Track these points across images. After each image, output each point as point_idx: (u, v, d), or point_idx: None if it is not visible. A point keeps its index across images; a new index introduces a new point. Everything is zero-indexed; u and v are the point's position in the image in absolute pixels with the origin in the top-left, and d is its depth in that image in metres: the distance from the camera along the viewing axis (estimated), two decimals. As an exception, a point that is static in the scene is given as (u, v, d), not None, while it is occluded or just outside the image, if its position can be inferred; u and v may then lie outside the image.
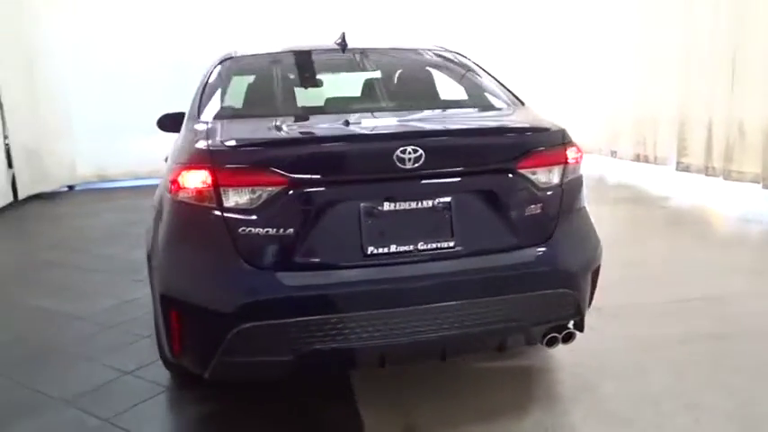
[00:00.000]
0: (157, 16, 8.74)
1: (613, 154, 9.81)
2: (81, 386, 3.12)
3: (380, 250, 2.48)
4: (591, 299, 2.92)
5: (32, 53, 8.15)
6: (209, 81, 3.27)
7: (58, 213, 7.70)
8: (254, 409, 2.90)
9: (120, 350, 3.53)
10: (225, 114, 2.98)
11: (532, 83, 9.66)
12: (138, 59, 8.40)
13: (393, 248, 2.49)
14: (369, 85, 3.54)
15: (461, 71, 3.57)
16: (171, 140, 3.09)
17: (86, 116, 8.56)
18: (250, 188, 2.39)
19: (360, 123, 2.84)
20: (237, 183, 2.39)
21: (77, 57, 8.56)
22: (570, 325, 2.77)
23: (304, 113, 3.27)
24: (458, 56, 3.67)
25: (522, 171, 2.62)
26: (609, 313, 3.83)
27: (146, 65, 8.16)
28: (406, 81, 3.59)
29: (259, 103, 3.28)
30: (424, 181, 2.53)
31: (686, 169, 8.15)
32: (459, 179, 2.61)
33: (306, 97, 3.46)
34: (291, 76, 3.52)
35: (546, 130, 2.80)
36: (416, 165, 2.45)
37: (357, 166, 2.51)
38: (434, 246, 2.53)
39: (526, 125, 3.00)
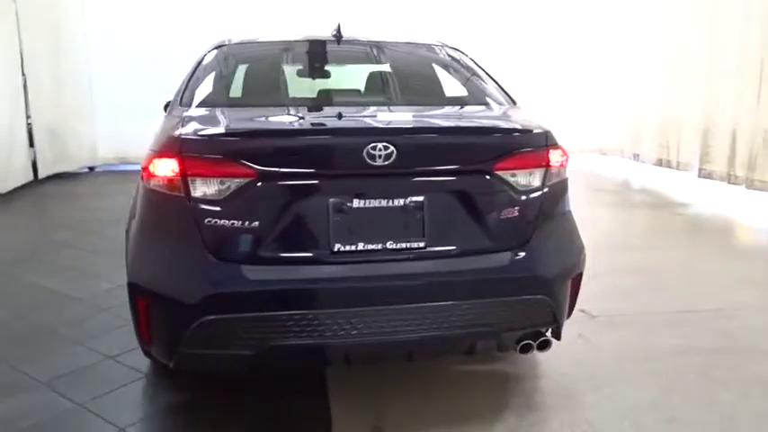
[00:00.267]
0: (180, 0, 8.81)
1: (636, 157, 9.60)
2: (62, 368, 3.15)
3: (348, 248, 2.43)
4: (572, 307, 2.84)
5: (57, 36, 8.28)
6: (198, 68, 3.24)
7: (75, 193, 7.83)
8: (226, 400, 2.89)
9: (107, 334, 3.56)
10: (206, 103, 2.95)
11: (557, 83, 9.58)
12: (161, 44, 8.44)
13: (361, 246, 2.44)
14: (360, 78, 3.49)
15: (455, 67, 3.49)
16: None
17: (109, 99, 8.70)
18: (218, 179, 2.36)
19: (337, 117, 2.79)
20: (206, 173, 2.37)
21: (101, 40, 8.69)
22: (548, 333, 2.71)
23: (287, 105, 3.20)
24: (454, 52, 3.58)
25: (499, 173, 2.54)
26: (605, 321, 3.75)
27: (168, 50, 8.18)
28: (400, 76, 3.51)
29: (244, 92, 3.25)
30: (395, 179, 2.48)
31: (708, 176, 7.93)
32: (433, 178, 2.54)
33: (296, 89, 3.41)
34: (282, 67, 3.47)
35: (528, 131, 2.72)
36: (387, 162, 2.40)
37: (327, 160, 2.47)
38: (404, 245, 2.48)
39: (508, 126, 2.91)
